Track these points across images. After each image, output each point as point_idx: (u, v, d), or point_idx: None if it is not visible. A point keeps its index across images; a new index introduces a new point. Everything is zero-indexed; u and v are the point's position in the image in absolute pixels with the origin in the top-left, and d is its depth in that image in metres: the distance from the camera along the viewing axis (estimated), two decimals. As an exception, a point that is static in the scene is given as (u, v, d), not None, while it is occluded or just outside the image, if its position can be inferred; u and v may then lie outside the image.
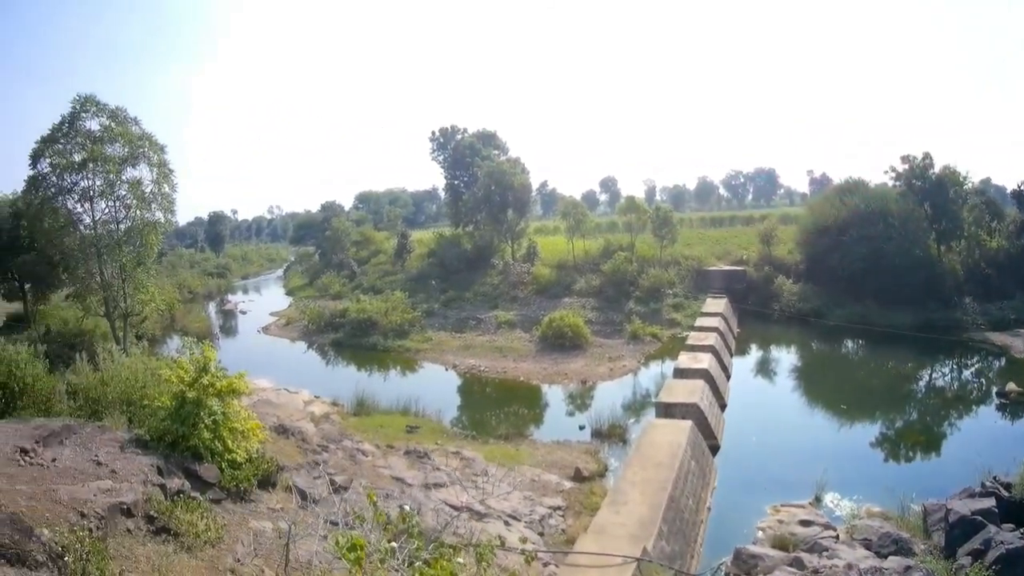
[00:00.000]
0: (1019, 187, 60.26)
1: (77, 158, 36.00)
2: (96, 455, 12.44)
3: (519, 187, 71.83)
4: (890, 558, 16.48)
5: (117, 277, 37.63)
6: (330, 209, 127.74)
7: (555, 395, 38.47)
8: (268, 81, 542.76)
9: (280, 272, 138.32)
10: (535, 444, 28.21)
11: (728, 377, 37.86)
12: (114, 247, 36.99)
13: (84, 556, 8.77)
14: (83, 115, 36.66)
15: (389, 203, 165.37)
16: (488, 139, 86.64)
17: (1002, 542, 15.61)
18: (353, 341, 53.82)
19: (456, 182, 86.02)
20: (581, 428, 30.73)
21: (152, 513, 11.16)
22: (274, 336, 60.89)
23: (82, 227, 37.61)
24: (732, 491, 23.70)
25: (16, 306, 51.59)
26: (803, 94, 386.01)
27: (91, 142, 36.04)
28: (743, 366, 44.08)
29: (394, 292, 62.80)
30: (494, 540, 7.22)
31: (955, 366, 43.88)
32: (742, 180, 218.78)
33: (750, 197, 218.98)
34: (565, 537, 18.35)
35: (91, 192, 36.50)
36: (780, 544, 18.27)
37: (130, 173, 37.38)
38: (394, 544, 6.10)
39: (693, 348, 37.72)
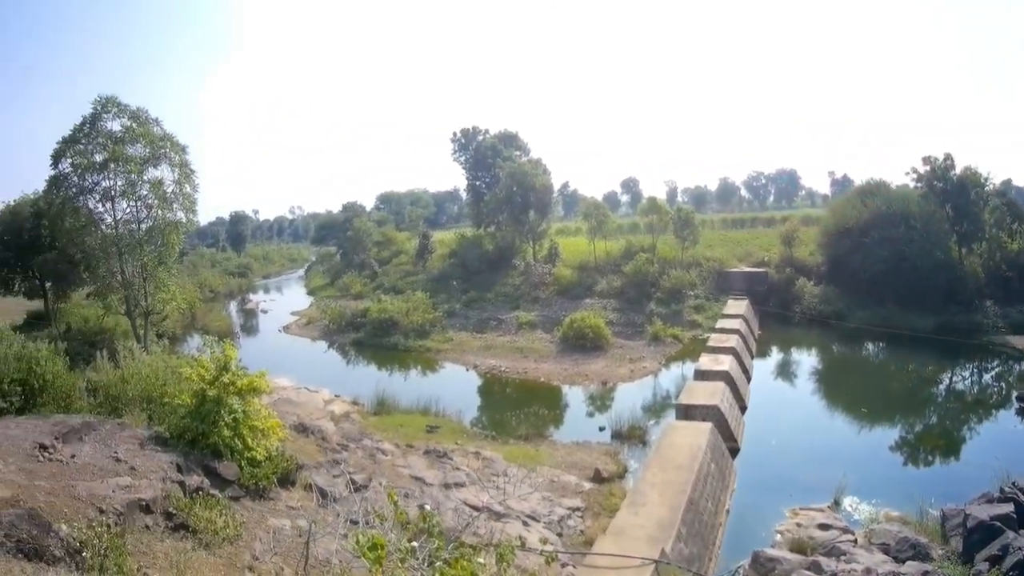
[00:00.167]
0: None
1: (98, 158, 36.20)
2: (115, 452, 12.47)
3: (541, 188, 71.57)
4: (908, 563, 16.43)
5: (138, 276, 37.79)
6: (351, 209, 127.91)
7: (575, 396, 38.36)
8: (290, 83, 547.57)
9: (301, 272, 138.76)
10: (555, 445, 28.13)
11: (748, 379, 37.57)
12: (135, 246, 37.16)
13: (102, 552, 8.78)
14: (104, 116, 36.86)
15: (411, 204, 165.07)
16: (510, 140, 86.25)
17: (1020, 548, 15.52)
18: (374, 341, 53.93)
19: (478, 183, 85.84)
20: (601, 429, 30.62)
21: (171, 510, 11.19)
22: (295, 335, 61.18)
23: (103, 226, 37.80)
24: (751, 494, 23.48)
25: (37, 304, 52.14)
26: (824, 95, 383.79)
27: (112, 142, 36.21)
28: (763, 368, 43.70)
29: (415, 292, 62.79)
30: (514, 540, 7.09)
31: (975, 370, 43.26)
32: (763, 181, 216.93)
33: (771, 198, 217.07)
34: (583, 538, 18.24)
35: (112, 192, 36.70)
36: (798, 548, 18.14)
37: (151, 173, 37.57)
38: (415, 543, 6.03)
39: (714, 350, 37.48)
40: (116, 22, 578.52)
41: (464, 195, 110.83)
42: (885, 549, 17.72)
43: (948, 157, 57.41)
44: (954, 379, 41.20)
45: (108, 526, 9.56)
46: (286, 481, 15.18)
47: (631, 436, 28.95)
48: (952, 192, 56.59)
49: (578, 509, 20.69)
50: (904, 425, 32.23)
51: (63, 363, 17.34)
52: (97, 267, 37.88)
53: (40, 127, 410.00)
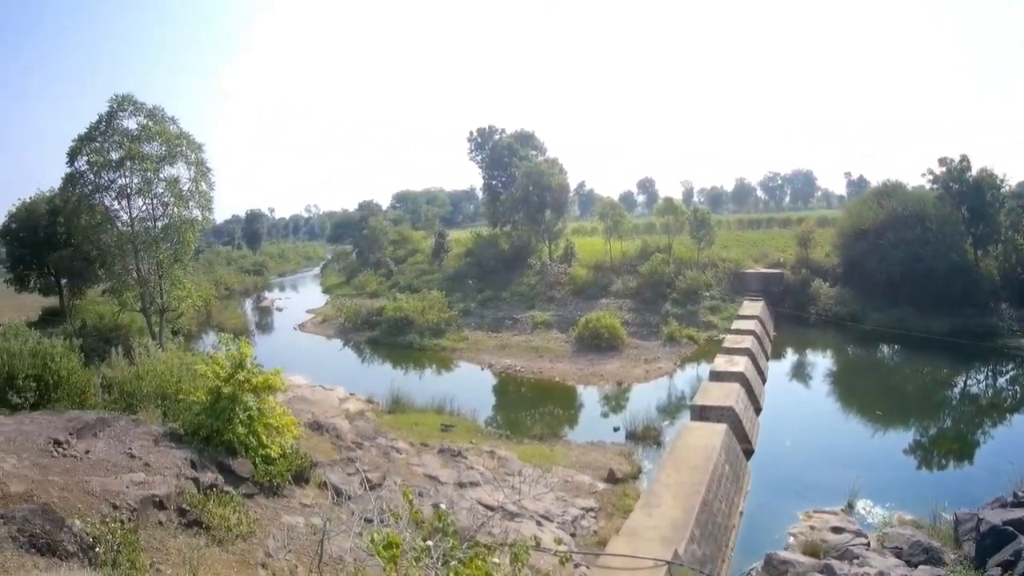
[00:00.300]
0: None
1: (115, 156, 36.52)
2: (130, 448, 12.51)
3: (557, 187, 71.41)
4: (920, 567, 16.41)
5: (154, 273, 38.02)
6: (367, 208, 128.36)
7: (590, 396, 38.28)
8: (308, 82, 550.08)
9: (317, 270, 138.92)
10: (569, 445, 28.07)
11: (764, 380, 37.33)
12: (151, 244, 37.39)
13: (115, 547, 8.78)
14: (121, 114, 37.14)
15: (427, 203, 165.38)
16: (526, 139, 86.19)
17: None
18: (389, 339, 54.00)
19: (494, 182, 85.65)
20: (615, 430, 30.54)
21: (184, 506, 11.20)
22: (310, 333, 61.36)
23: (119, 224, 38.07)
24: (765, 496, 23.34)
25: (53, 301, 52.48)
26: (841, 95, 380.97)
27: (129, 140, 36.49)
28: (779, 370, 43.42)
29: (431, 291, 62.81)
30: (528, 540, 7.05)
31: (990, 373, 42.82)
32: (779, 182, 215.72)
33: (787, 199, 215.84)
34: (597, 538, 18.17)
35: (128, 190, 36.98)
36: (811, 551, 18.04)
37: (168, 171, 37.85)
38: (429, 543, 5.99)
39: (729, 351, 37.28)
40: (131, 21, 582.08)
41: (480, 194, 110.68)
42: (898, 553, 17.67)
43: (964, 158, 56.85)
44: (969, 382, 40.80)
45: (121, 522, 9.58)
46: (300, 479, 15.19)
47: (645, 437, 28.83)
48: (968, 194, 56.02)
49: (592, 509, 20.62)
50: (918, 428, 32.00)
51: (78, 359, 17.44)
52: (113, 264, 38.14)
53: (51, 125, 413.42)
